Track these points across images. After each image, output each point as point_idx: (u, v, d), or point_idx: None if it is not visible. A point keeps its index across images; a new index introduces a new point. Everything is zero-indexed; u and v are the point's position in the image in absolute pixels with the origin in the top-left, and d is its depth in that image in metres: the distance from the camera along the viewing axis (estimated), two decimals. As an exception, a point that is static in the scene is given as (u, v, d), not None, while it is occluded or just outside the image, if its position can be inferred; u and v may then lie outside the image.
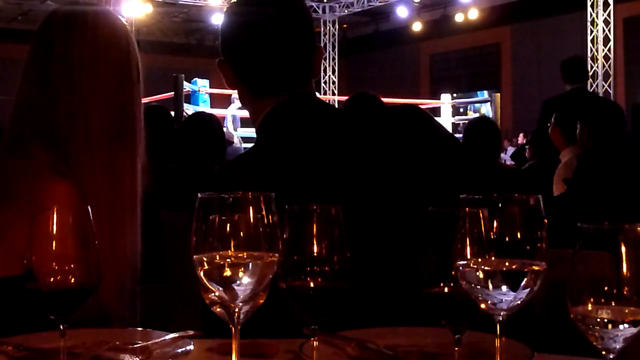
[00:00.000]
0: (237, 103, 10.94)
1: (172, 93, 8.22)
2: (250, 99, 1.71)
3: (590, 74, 12.98)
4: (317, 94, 1.74)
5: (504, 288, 0.92)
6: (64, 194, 1.51)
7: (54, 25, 1.63)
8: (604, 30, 13.09)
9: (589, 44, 13.05)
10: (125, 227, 1.60)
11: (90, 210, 1.07)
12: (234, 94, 10.78)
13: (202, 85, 10.74)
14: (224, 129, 9.59)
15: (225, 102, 12.07)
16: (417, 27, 16.39)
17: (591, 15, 13.15)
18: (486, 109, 12.50)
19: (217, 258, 0.96)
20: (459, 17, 15.65)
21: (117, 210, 1.58)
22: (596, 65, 12.93)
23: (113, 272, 1.53)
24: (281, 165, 1.56)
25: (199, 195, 0.97)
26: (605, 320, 0.86)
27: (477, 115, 11.95)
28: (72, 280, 1.04)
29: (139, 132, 1.65)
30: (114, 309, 1.54)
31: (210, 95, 11.00)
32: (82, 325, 1.25)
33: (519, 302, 0.93)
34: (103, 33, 1.62)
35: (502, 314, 0.94)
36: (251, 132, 9.59)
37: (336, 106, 8.25)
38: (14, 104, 1.62)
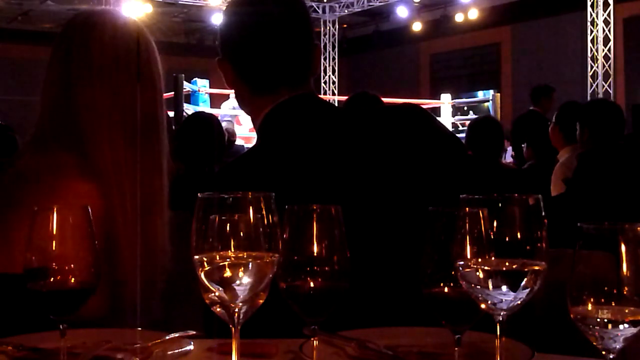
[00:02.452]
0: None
1: (172, 93, 8.21)
2: (250, 98, 1.71)
3: (590, 74, 12.96)
4: (317, 94, 1.74)
5: (504, 288, 0.92)
6: (83, 194, 1.51)
7: (75, 27, 1.66)
8: (604, 30, 13.06)
9: (589, 44, 13.01)
10: (154, 227, 1.61)
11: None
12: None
13: (202, 85, 10.72)
14: (235, 128, 9.58)
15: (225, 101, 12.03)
16: (417, 27, 16.35)
17: (591, 15, 13.12)
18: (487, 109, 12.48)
19: (217, 258, 0.96)
20: (459, 17, 15.61)
21: (145, 210, 1.59)
22: (596, 65, 12.89)
23: (142, 271, 1.54)
24: (282, 165, 1.56)
25: (199, 195, 0.97)
26: (605, 320, 0.86)
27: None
28: (72, 280, 1.05)
29: (162, 132, 1.67)
30: (141, 309, 1.54)
31: (210, 95, 10.99)
32: (109, 324, 1.26)
33: (519, 302, 0.93)
34: (122, 35, 1.64)
35: (502, 314, 0.94)
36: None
37: (336, 106, 8.23)
38: (40, 104, 1.64)
